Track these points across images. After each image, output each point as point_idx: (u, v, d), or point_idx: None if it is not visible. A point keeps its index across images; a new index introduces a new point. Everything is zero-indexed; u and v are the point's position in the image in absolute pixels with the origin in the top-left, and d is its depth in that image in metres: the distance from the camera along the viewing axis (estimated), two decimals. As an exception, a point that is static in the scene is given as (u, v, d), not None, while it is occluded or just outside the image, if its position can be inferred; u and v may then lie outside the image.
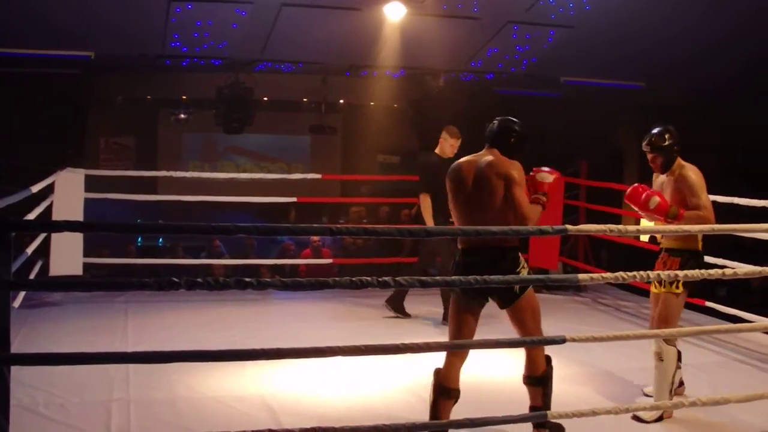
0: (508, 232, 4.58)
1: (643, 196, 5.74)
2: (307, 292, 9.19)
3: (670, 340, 5.64)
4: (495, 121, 5.33)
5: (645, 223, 8.15)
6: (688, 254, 5.83)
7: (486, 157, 5.17)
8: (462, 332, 5.10)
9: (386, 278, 3.96)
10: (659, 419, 5.47)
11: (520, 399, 5.19)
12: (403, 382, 6.33)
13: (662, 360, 5.56)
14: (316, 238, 12.94)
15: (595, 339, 4.74)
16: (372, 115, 17.72)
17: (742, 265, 7.77)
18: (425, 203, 8.29)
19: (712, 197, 8.45)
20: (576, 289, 10.26)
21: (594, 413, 4.73)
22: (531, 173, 5.32)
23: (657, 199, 5.70)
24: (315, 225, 4.39)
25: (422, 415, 5.42)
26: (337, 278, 4.07)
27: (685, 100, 14.80)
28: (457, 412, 4.95)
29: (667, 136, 5.92)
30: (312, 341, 4.59)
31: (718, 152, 16.04)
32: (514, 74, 14.48)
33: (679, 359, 5.83)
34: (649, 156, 5.95)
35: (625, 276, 4.58)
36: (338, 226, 4.17)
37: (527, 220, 4.97)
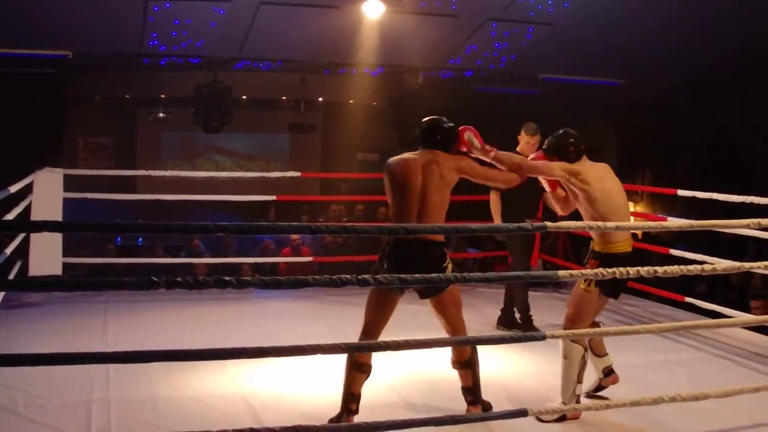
0: (487, 230, 4.60)
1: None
2: (287, 290, 9.19)
3: (577, 339, 5.47)
4: (423, 123, 5.61)
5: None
6: (602, 257, 5.58)
7: (428, 156, 5.43)
8: (378, 318, 5.35)
9: (366, 276, 3.97)
10: (561, 419, 5.35)
11: (507, 394, 5.21)
12: (384, 379, 6.33)
13: (566, 358, 5.46)
14: (295, 236, 12.93)
15: (574, 335, 4.76)
16: (351, 113, 17.75)
17: (721, 261, 7.82)
18: (494, 200, 8.18)
19: (692, 192, 8.55)
20: (556, 286, 10.28)
21: (574, 409, 4.76)
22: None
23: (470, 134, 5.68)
24: (294, 223, 4.42)
25: (403, 412, 5.44)
26: (317, 276, 4.08)
27: (661, 97, 14.88)
28: (441, 407, 4.96)
29: (571, 141, 5.76)
30: (292, 339, 4.60)
31: (695, 148, 16.17)
32: (493, 71, 14.53)
33: (592, 354, 5.76)
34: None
35: (605, 273, 4.59)
36: (318, 224, 4.19)
37: (502, 183, 5.69)
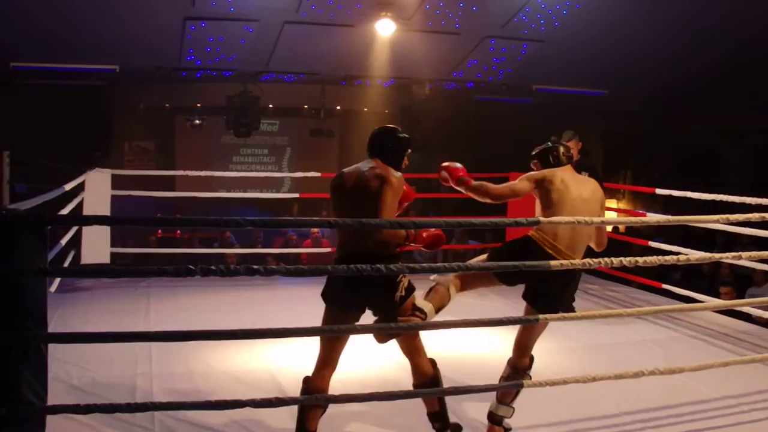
0: (488, 224, 4.58)
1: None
2: (309, 278, 9.19)
3: (446, 284, 4.90)
4: (375, 131, 4.80)
5: (607, 214, 8.17)
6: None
7: (367, 164, 4.62)
8: (335, 346, 4.56)
9: (379, 265, 3.97)
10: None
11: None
12: (396, 358, 6.32)
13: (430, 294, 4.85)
14: (315, 230, 12.93)
15: (564, 318, 4.75)
16: (365, 120, 17.73)
17: (694, 252, 7.81)
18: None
19: (668, 191, 8.53)
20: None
21: (564, 382, 4.75)
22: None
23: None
24: (315, 218, 4.36)
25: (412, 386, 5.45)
26: (336, 265, 4.07)
27: (642, 106, 14.85)
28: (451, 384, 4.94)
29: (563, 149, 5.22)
30: (313, 322, 4.60)
31: (670, 151, 16.12)
32: (491, 83, 14.49)
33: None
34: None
35: (591, 262, 4.58)
36: (336, 219, 4.14)
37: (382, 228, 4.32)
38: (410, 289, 4.52)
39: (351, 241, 4.48)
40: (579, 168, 7.80)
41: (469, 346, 6.73)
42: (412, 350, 4.61)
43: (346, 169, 4.68)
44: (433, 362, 4.66)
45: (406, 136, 4.78)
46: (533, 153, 5.23)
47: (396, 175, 4.49)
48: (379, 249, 4.37)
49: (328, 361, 4.56)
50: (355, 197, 4.49)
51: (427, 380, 4.58)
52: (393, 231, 4.37)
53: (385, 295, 4.42)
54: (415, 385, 4.65)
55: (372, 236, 4.35)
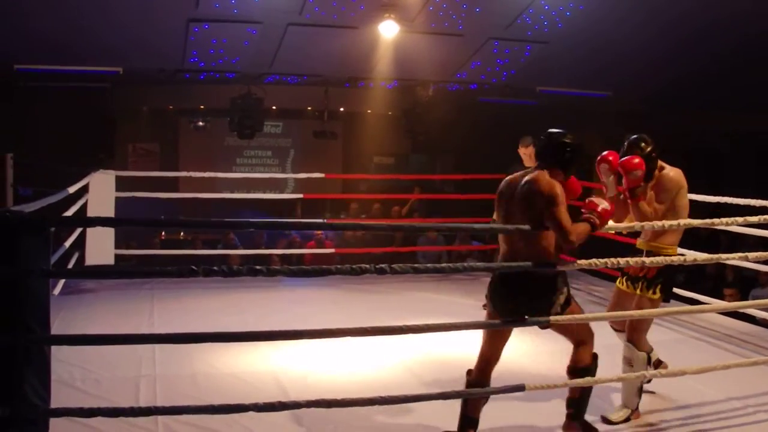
0: (494, 230, 4.56)
1: (636, 161, 5.20)
2: (312, 278, 9.20)
3: (640, 346, 5.26)
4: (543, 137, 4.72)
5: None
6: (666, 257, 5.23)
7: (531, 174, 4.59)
8: (496, 344, 4.73)
9: (383, 266, 3.96)
10: (627, 420, 5.14)
11: (519, 377, 5.17)
12: (401, 360, 6.33)
13: (631, 366, 5.20)
14: (319, 231, 12.93)
15: (571, 321, 4.74)
16: (369, 122, 17.74)
17: (699, 254, 7.79)
18: None
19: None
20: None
21: (566, 384, 4.74)
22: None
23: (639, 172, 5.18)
24: (317, 220, 4.39)
25: (416, 389, 5.43)
26: (339, 266, 4.06)
27: (645, 108, 14.83)
28: (454, 387, 4.95)
29: (643, 145, 5.38)
30: (316, 323, 4.58)
31: (674, 153, 16.09)
32: (495, 85, 14.48)
33: (649, 361, 5.41)
34: None
35: (597, 263, 4.57)
36: (336, 221, 4.13)
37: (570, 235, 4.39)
38: (566, 304, 4.62)
39: (512, 248, 4.57)
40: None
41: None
42: (577, 341, 4.79)
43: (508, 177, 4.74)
44: (594, 356, 4.82)
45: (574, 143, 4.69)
46: (645, 153, 5.34)
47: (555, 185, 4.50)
48: (544, 255, 4.48)
49: (490, 357, 4.74)
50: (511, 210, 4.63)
51: (579, 368, 4.74)
52: (578, 230, 4.45)
53: (542, 307, 4.54)
54: (568, 367, 4.79)
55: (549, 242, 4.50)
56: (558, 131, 4.70)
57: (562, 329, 4.74)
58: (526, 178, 4.55)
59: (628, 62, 12.87)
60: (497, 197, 4.72)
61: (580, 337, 4.78)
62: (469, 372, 4.78)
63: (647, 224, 5.04)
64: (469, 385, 4.74)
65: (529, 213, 4.45)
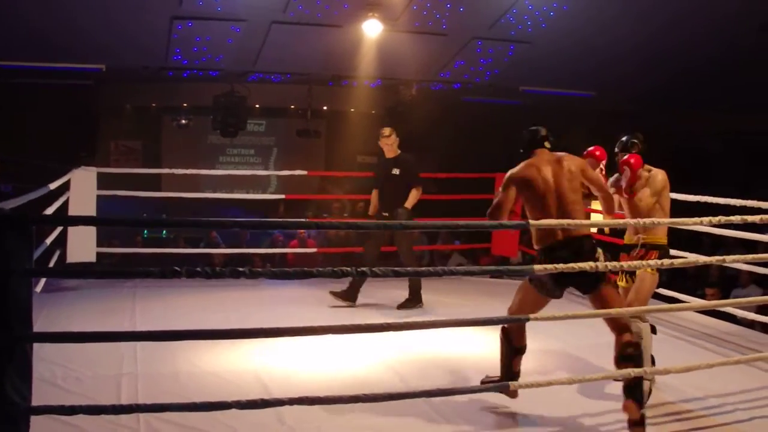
0: (486, 226, 4.59)
1: (640, 159, 5.62)
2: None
3: (642, 317, 5.49)
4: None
5: (595, 217, 8.21)
6: (662, 248, 5.69)
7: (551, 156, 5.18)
8: (534, 311, 4.99)
9: (363, 268, 3.98)
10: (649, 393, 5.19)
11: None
12: (382, 358, 6.35)
13: (640, 338, 5.29)
14: (302, 230, 12.94)
15: (555, 318, 4.78)
16: (352, 121, 17.77)
17: (684, 254, 7.84)
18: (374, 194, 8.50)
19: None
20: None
21: (549, 384, 4.77)
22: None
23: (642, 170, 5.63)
24: (300, 220, 4.40)
25: (398, 386, 5.45)
26: (320, 268, 4.06)
27: (629, 107, 14.91)
28: (436, 385, 4.96)
29: (638, 143, 5.83)
30: (299, 322, 4.60)
31: (657, 152, 16.17)
32: (478, 84, 14.53)
33: (654, 331, 5.73)
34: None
35: (575, 267, 4.59)
36: (321, 220, 4.14)
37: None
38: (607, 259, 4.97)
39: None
40: (396, 163, 8.29)
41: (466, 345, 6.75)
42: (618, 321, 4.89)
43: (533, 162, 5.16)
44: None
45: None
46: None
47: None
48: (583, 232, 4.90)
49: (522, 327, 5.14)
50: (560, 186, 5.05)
51: (626, 352, 4.82)
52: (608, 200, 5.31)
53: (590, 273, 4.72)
54: (614, 357, 4.88)
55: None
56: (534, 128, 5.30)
57: (602, 300, 4.92)
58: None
59: (613, 63, 12.94)
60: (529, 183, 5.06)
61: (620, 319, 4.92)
62: (505, 330, 5.18)
63: (647, 221, 5.27)
64: (517, 351, 5.17)
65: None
